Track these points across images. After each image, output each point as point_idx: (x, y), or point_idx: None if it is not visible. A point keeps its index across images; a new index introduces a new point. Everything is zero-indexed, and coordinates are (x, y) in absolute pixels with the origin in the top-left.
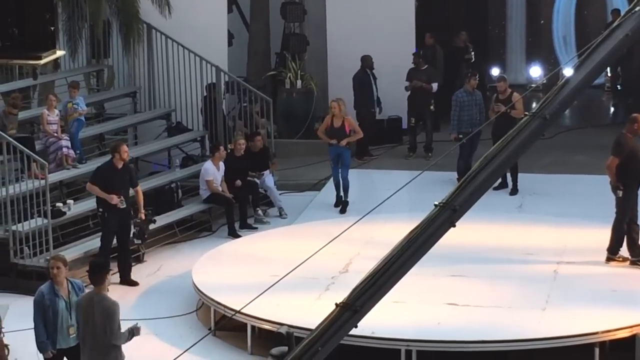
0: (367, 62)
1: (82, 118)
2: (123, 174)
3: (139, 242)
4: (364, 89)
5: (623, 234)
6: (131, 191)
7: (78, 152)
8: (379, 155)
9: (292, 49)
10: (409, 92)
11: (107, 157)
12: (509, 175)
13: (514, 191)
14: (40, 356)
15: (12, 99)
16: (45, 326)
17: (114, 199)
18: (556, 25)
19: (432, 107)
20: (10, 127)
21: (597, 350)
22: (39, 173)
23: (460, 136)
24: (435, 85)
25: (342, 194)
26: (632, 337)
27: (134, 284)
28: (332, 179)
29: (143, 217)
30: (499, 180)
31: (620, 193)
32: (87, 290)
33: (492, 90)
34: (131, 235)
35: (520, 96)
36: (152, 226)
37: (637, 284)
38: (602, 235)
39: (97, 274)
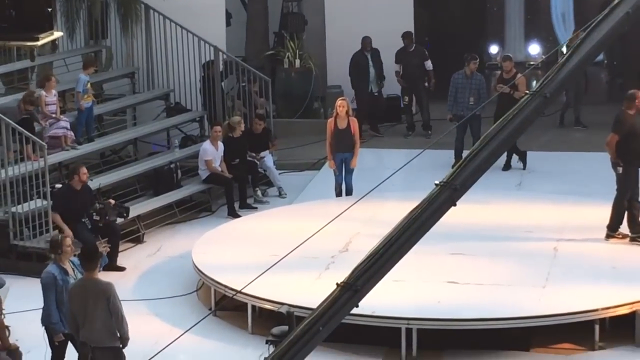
0: (363, 43)
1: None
2: (83, 195)
3: (97, 218)
4: (359, 71)
5: (623, 211)
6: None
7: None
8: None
9: (290, 29)
10: (402, 72)
11: (106, 138)
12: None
13: (507, 167)
14: (45, 337)
15: (27, 96)
16: (58, 307)
17: (69, 235)
18: (555, 2)
19: (426, 84)
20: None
21: (597, 327)
22: (33, 155)
23: (452, 118)
24: (428, 63)
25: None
26: (632, 314)
27: (119, 269)
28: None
29: (112, 201)
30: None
31: (620, 170)
32: None
33: (491, 69)
34: (93, 210)
35: (524, 78)
36: (149, 208)
37: (637, 261)
38: (602, 213)
39: (90, 260)
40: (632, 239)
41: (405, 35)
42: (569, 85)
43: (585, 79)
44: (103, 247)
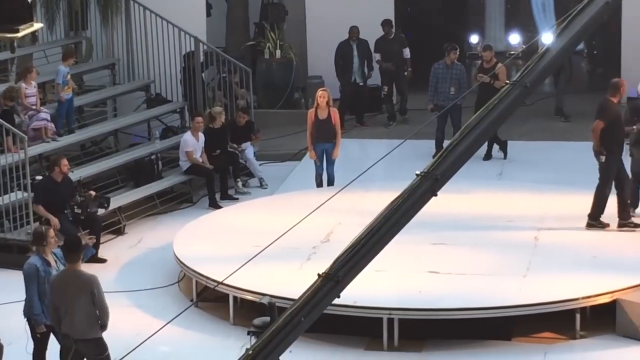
0: (350, 32)
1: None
2: (64, 186)
3: (79, 211)
4: (343, 60)
5: (605, 200)
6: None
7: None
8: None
9: (270, 19)
10: (382, 60)
11: (87, 129)
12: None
13: (488, 156)
14: (27, 329)
15: (7, 92)
16: (40, 299)
17: (55, 223)
18: None
19: (406, 73)
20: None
21: (578, 316)
22: (13, 147)
23: (433, 108)
24: (406, 51)
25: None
26: (613, 303)
27: (100, 261)
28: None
29: (92, 193)
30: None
31: (603, 158)
32: None
33: (472, 58)
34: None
35: (504, 67)
36: (130, 199)
37: (618, 250)
38: (583, 202)
39: (73, 251)
40: (621, 225)
41: (385, 23)
42: (558, 75)
43: (570, 68)
44: (89, 239)
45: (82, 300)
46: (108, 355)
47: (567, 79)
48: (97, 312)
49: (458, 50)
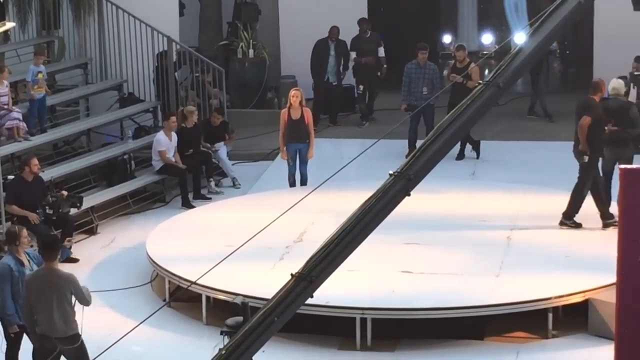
0: (330, 32)
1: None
2: (35, 186)
3: (50, 212)
4: (319, 59)
5: (582, 200)
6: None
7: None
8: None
9: (243, 18)
10: (358, 59)
11: (59, 129)
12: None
13: (461, 156)
14: (0, 329)
15: None
16: (14, 299)
17: (33, 218)
18: None
19: (379, 73)
20: None
21: (550, 316)
22: None
23: (406, 108)
24: (381, 50)
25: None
26: (585, 302)
27: (72, 260)
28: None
29: (64, 193)
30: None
31: (586, 159)
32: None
33: (445, 58)
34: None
35: (477, 67)
36: (102, 199)
37: (590, 250)
38: (555, 201)
39: (50, 250)
40: (606, 225)
41: (361, 22)
42: (537, 75)
43: (548, 67)
44: (68, 241)
45: (62, 299)
46: (82, 342)
47: (545, 79)
48: (82, 303)
49: (427, 50)
